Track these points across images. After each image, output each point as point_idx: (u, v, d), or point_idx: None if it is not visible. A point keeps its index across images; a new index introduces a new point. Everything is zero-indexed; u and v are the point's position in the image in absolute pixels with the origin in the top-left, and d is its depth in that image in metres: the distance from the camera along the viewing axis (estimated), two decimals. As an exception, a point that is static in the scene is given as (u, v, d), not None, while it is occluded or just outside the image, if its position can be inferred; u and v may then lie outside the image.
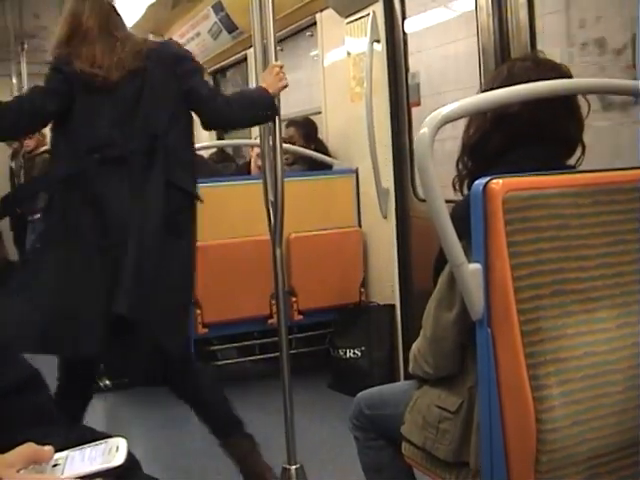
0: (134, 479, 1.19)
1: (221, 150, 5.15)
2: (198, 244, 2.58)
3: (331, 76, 4.47)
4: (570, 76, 1.68)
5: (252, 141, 3.67)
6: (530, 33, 2.84)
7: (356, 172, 4.18)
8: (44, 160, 7.59)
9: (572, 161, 1.72)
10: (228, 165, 5.05)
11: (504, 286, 1.34)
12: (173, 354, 2.51)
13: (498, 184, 1.35)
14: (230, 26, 5.54)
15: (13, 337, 2.23)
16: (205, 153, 4.97)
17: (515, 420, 1.37)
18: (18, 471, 0.89)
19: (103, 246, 2.31)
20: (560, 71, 1.66)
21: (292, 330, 3.83)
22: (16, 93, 8.48)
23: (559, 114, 1.64)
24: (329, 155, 4.42)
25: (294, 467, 2.61)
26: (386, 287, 3.93)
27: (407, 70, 3.73)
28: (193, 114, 2.52)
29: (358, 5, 3.87)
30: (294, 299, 3.89)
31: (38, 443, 0.93)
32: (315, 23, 4.62)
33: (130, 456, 0.95)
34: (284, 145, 2.80)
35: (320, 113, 4.63)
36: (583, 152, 1.71)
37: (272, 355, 3.60)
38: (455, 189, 1.74)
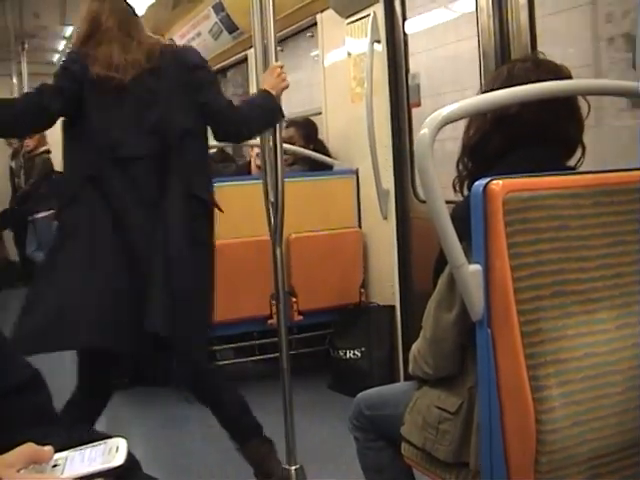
0: (134, 479, 1.19)
1: (221, 150, 5.15)
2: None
3: (331, 77, 4.47)
4: (570, 77, 1.68)
5: (252, 141, 3.66)
6: (530, 34, 2.83)
7: (356, 173, 4.18)
8: (44, 160, 7.60)
9: (572, 162, 1.72)
10: (228, 165, 5.05)
11: (504, 287, 1.34)
12: (198, 361, 2.53)
13: (498, 185, 1.35)
14: (231, 26, 5.54)
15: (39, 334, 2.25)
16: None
17: (515, 421, 1.37)
18: (18, 471, 0.89)
19: (121, 250, 2.32)
20: (560, 72, 1.67)
21: (292, 331, 3.83)
22: (16, 93, 8.49)
23: (559, 115, 1.64)
24: (329, 156, 4.42)
25: (294, 467, 2.61)
26: (386, 288, 3.93)
27: (407, 71, 3.73)
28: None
29: (358, 6, 3.87)
30: (294, 299, 3.89)
31: (38, 443, 0.93)
32: (316, 24, 4.62)
33: (130, 456, 0.95)
34: (284, 145, 2.80)
35: (320, 114, 4.63)
36: (583, 153, 1.71)
37: (272, 355, 3.60)
38: (455, 190, 1.74)
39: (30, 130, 2.47)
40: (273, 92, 2.54)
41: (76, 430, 1.22)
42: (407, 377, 1.97)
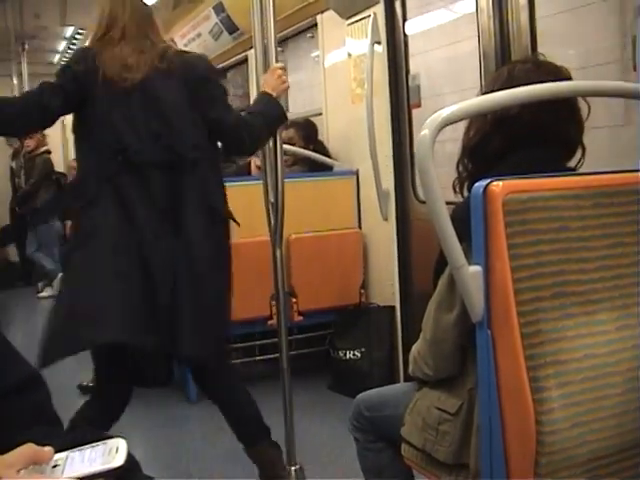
0: (134, 480, 1.19)
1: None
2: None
3: (332, 77, 4.47)
4: (570, 78, 1.68)
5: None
6: (531, 35, 2.83)
7: (356, 174, 4.18)
8: (44, 160, 7.62)
9: (572, 163, 1.72)
10: (228, 166, 5.03)
11: (504, 288, 1.34)
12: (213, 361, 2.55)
13: (498, 186, 1.35)
14: (231, 27, 5.54)
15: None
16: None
17: (515, 422, 1.37)
18: (18, 471, 0.89)
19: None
20: (560, 73, 1.67)
21: (292, 331, 3.83)
22: (17, 94, 8.49)
23: (559, 116, 1.64)
24: (329, 156, 4.43)
25: (294, 468, 2.62)
26: (386, 288, 3.93)
27: (408, 72, 3.73)
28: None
29: (359, 7, 3.87)
30: (294, 300, 3.89)
31: (38, 444, 0.93)
32: (316, 24, 4.62)
33: (130, 457, 0.95)
34: (284, 146, 2.80)
35: (321, 114, 4.63)
36: (583, 154, 1.71)
37: (272, 356, 3.60)
38: (455, 191, 1.74)
39: (30, 129, 2.46)
40: (274, 94, 2.54)
41: (75, 430, 1.22)
42: (407, 378, 1.97)
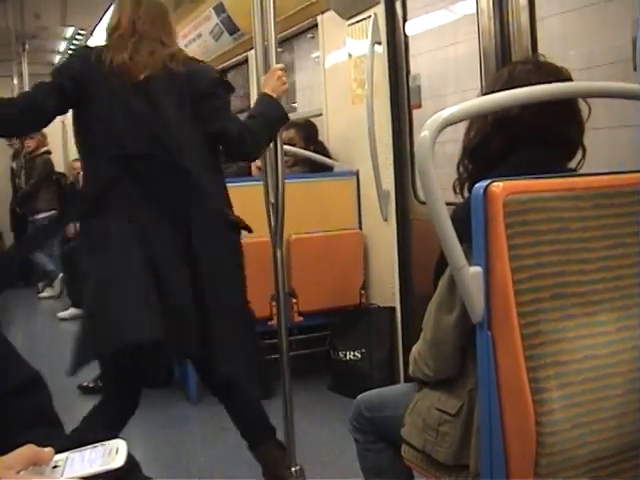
0: (134, 481, 1.19)
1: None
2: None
3: (332, 78, 4.47)
4: (571, 79, 1.68)
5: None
6: (531, 36, 2.83)
7: (357, 174, 4.18)
8: (45, 161, 7.62)
9: (573, 164, 1.72)
10: (229, 166, 5.03)
11: (504, 289, 1.34)
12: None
13: (499, 187, 1.35)
14: (231, 28, 5.55)
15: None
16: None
17: (515, 423, 1.37)
18: (18, 472, 0.89)
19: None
20: (561, 74, 1.67)
21: (292, 332, 3.83)
22: (17, 94, 8.48)
23: (560, 117, 1.64)
24: (330, 157, 4.43)
25: (294, 469, 2.62)
26: (386, 289, 3.93)
27: (408, 72, 3.73)
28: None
29: (359, 7, 3.88)
30: (294, 301, 3.89)
31: (38, 445, 0.93)
32: (316, 25, 4.63)
33: (130, 458, 0.95)
34: (285, 147, 2.80)
35: (321, 115, 4.63)
36: (584, 155, 1.71)
37: (272, 357, 3.60)
38: (456, 192, 1.75)
39: (29, 129, 2.45)
40: (274, 95, 2.53)
41: (75, 431, 1.22)
42: (407, 379, 1.97)
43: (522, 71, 1.70)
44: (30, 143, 7.39)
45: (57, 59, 10.20)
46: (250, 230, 2.52)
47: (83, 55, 2.40)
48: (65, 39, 9.40)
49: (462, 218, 1.40)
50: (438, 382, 1.66)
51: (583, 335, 1.39)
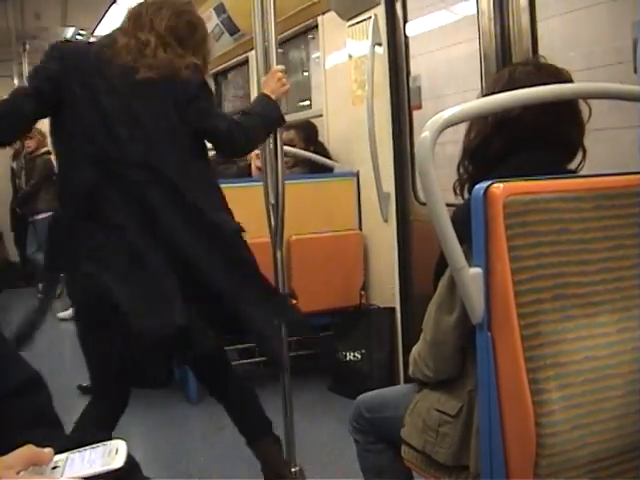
0: (133, 482, 1.19)
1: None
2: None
3: (332, 79, 4.48)
4: (571, 81, 1.68)
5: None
6: (532, 37, 2.83)
7: (357, 175, 4.18)
8: (45, 161, 7.61)
9: (573, 165, 1.72)
10: (229, 167, 5.04)
11: (504, 290, 1.34)
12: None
13: (499, 188, 1.35)
14: (232, 28, 5.55)
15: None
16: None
17: (515, 424, 1.37)
18: (18, 473, 0.89)
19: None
20: (561, 76, 1.67)
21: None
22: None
23: (560, 118, 1.64)
24: (330, 158, 4.43)
25: (293, 470, 2.62)
26: (386, 290, 3.93)
27: (408, 73, 3.74)
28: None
29: (360, 8, 3.88)
30: (294, 301, 3.88)
31: (38, 445, 0.93)
32: (317, 26, 4.63)
33: (130, 458, 0.95)
34: (285, 148, 2.80)
35: (321, 116, 4.63)
36: (584, 156, 1.71)
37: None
38: (456, 193, 1.75)
39: (9, 135, 2.38)
40: (273, 96, 2.53)
41: (76, 432, 1.22)
42: (407, 379, 1.97)
43: (522, 72, 1.70)
44: (30, 143, 7.38)
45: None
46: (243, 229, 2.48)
47: (60, 54, 2.31)
48: (65, 40, 9.41)
49: (462, 219, 1.40)
50: (438, 383, 1.66)
51: (583, 336, 1.39)
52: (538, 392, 1.34)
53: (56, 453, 0.93)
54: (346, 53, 4.15)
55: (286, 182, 2.64)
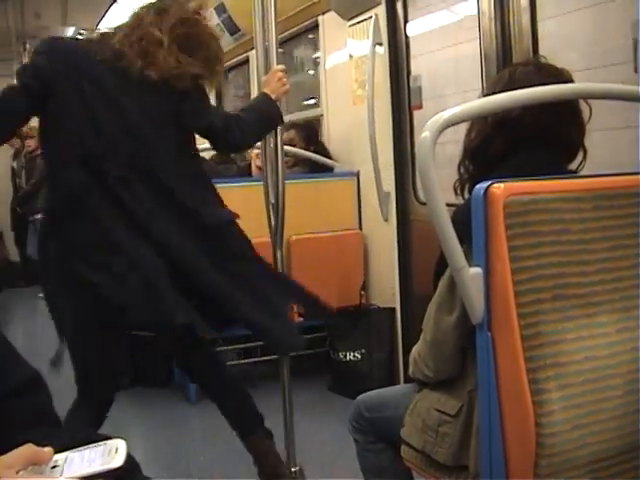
0: (133, 481, 1.19)
1: (226, 153, 5.15)
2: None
3: (333, 79, 4.47)
4: (572, 81, 1.68)
5: (253, 143, 3.69)
6: (532, 38, 2.83)
7: (357, 175, 4.18)
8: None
9: (573, 166, 1.72)
10: (229, 167, 5.05)
11: (504, 290, 1.34)
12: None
13: (499, 188, 1.35)
14: (232, 28, 5.54)
15: None
16: (206, 154, 4.97)
17: (514, 424, 1.37)
18: (17, 472, 0.89)
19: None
20: (562, 76, 1.67)
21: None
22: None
23: (561, 118, 1.64)
24: (330, 158, 4.43)
25: (293, 469, 2.62)
26: (386, 290, 3.93)
27: (409, 73, 3.73)
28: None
29: (360, 8, 3.87)
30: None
31: (37, 444, 0.93)
32: (317, 26, 4.63)
33: (130, 458, 0.95)
34: (285, 147, 2.80)
35: (322, 116, 4.63)
36: (584, 157, 1.71)
37: (272, 357, 3.60)
38: (456, 193, 1.75)
39: (2, 136, 2.36)
40: (273, 96, 2.53)
41: (80, 432, 1.22)
42: (407, 379, 1.97)
43: (523, 72, 1.70)
44: (31, 143, 7.37)
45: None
46: (237, 215, 2.48)
47: (49, 49, 2.29)
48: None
49: (462, 219, 1.40)
50: (438, 383, 1.66)
51: (583, 336, 1.39)
52: (538, 392, 1.34)
53: (56, 452, 0.93)
54: (346, 53, 4.15)
55: (286, 182, 2.63)
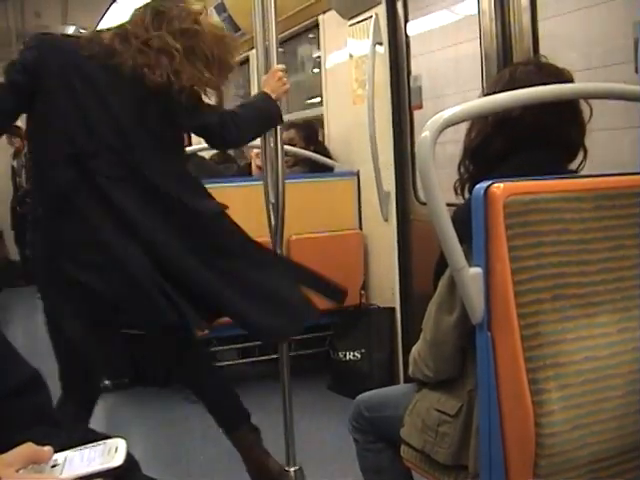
0: (133, 480, 1.19)
1: (222, 151, 5.15)
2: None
3: (333, 78, 4.47)
4: (572, 81, 1.68)
5: (253, 142, 3.67)
6: (533, 37, 2.83)
7: (357, 175, 4.18)
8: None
9: (574, 166, 1.72)
10: (230, 166, 5.05)
11: (504, 290, 1.34)
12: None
13: (499, 188, 1.35)
14: (232, 27, 5.53)
15: None
16: (206, 154, 4.97)
17: (514, 424, 1.37)
18: (17, 471, 0.89)
19: None
20: (562, 76, 1.67)
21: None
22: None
23: (561, 118, 1.64)
24: (330, 157, 4.43)
25: (293, 469, 2.61)
26: (386, 290, 3.93)
27: (409, 73, 3.73)
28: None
29: (361, 7, 3.87)
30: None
31: (37, 443, 0.93)
32: (317, 25, 4.62)
33: (129, 457, 0.95)
34: (285, 147, 2.79)
35: (322, 115, 4.63)
36: (585, 157, 1.71)
37: (272, 357, 3.60)
38: (456, 193, 1.74)
39: None
40: (273, 95, 2.53)
41: (75, 430, 1.22)
42: (407, 379, 1.97)
43: (523, 72, 1.70)
44: (31, 142, 7.38)
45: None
46: (226, 207, 2.47)
47: (37, 44, 2.29)
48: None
49: (462, 219, 1.40)
50: (438, 383, 1.66)
51: (583, 336, 1.39)
52: (538, 392, 1.34)
53: (55, 451, 0.93)
54: (347, 52, 4.15)
55: (286, 181, 2.63)
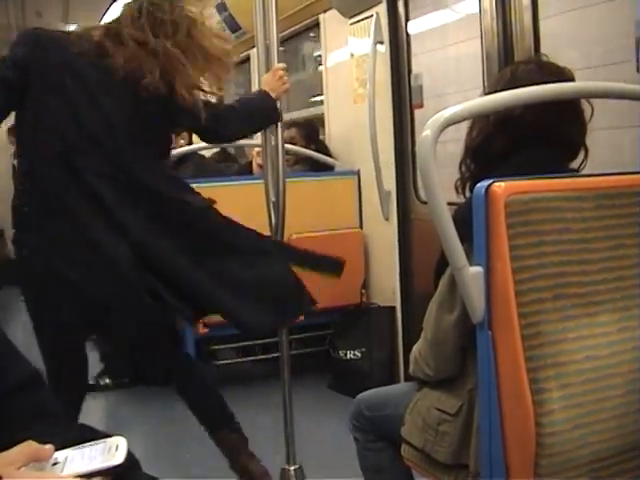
0: (133, 479, 1.19)
1: (223, 150, 5.15)
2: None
3: (334, 77, 4.47)
4: (573, 80, 1.68)
5: (254, 141, 3.67)
6: (534, 36, 2.83)
7: (358, 174, 4.18)
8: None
9: (575, 165, 1.72)
10: (230, 165, 5.05)
11: (505, 289, 1.34)
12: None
13: (500, 187, 1.35)
14: (233, 26, 5.54)
15: None
16: (207, 153, 4.97)
17: (514, 423, 1.37)
18: (18, 469, 0.89)
19: None
20: (564, 74, 1.66)
21: (292, 331, 3.82)
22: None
23: (562, 117, 1.64)
24: (331, 156, 4.43)
25: (293, 468, 2.61)
26: (387, 289, 3.93)
27: (410, 72, 3.73)
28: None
29: (362, 6, 3.87)
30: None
31: (38, 441, 0.93)
32: (318, 24, 4.62)
33: (130, 455, 0.95)
34: (286, 146, 2.79)
35: (323, 114, 4.63)
36: (586, 156, 1.71)
37: (272, 355, 3.60)
38: (457, 192, 1.74)
39: None
40: (273, 94, 2.53)
41: (76, 429, 1.22)
42: (407, 378, 1.97)
43: (525, 71, 1.70)
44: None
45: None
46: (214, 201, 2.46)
47: (28, 40, 2.23)
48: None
49: (463, 218, 1.40)
50: (438, 382, 1.66)
51: (584, 336, 1.39)
52: (538, 391, 1.34)
53: (56, 450, 0.93)
54: (348, 51, 4.15)
55: (287, 180, 2.63)
